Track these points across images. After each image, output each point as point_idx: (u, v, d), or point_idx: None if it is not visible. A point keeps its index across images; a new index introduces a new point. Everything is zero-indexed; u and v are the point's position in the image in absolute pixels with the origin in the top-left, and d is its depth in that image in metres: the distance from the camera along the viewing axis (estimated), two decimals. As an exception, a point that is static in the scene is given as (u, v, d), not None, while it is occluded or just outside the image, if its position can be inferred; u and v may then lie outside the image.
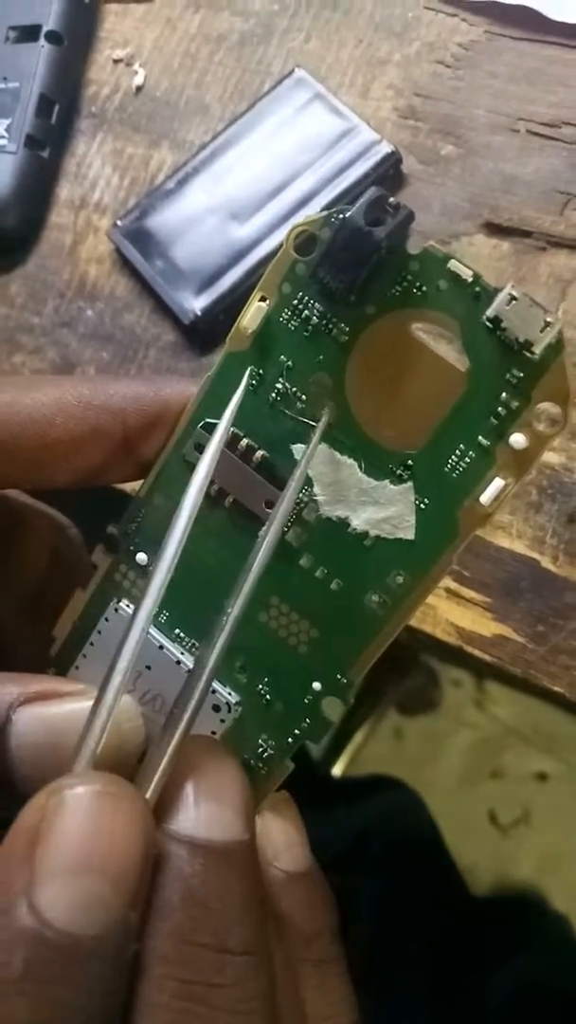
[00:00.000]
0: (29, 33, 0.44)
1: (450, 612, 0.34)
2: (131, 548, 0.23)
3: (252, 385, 0.22)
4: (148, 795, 0.19)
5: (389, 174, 0.39)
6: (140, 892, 0.17)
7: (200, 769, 0.19)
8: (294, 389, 0.21)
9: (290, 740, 0.23)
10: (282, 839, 0.23)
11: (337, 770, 0.92)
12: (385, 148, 0.38)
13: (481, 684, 0.96)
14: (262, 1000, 0.18)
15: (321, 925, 0.23)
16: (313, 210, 0.38)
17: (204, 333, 0.39)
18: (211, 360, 0.39)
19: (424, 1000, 0.53)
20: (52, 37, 0.43)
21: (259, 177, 0.40)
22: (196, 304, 0.39)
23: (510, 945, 0.57)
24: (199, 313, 0.39)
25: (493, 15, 0.39)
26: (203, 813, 0.19)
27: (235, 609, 0.20)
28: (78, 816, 0.17)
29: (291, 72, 0.41)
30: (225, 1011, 0.17)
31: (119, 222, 0.41)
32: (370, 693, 0.93)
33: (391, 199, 0.20)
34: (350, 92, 0.40)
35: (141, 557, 0.23)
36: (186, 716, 0.19)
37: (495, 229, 0.37)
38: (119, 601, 0.23)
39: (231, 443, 0.22)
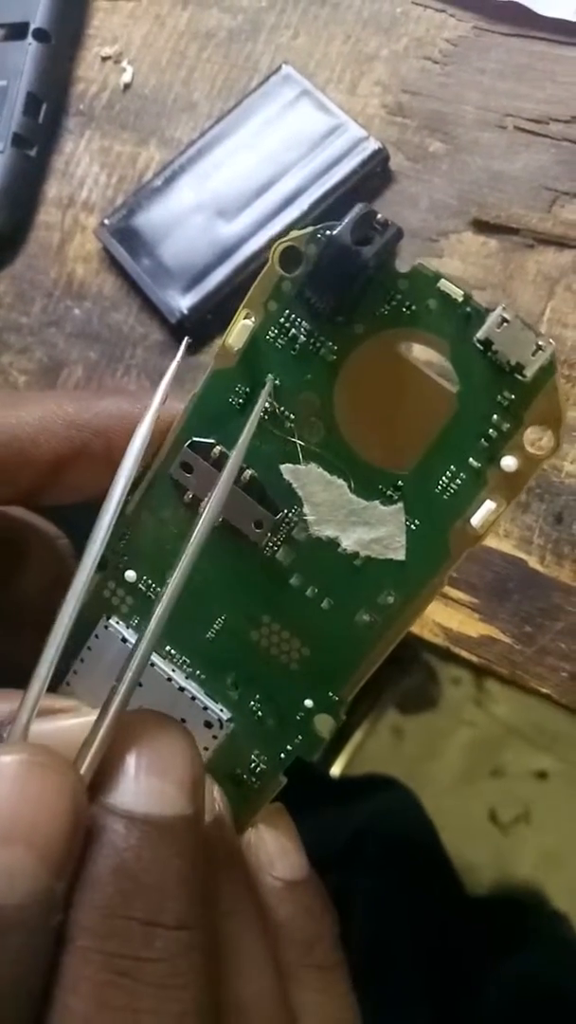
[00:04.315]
0: (17, 31, 0.43)
1: (437, 613, 0.34)
2: (119, 566, 0.23)
3: (239, 404, 0.22)
4: (84, 767, 0.19)
5: (376, 171, 0.38)
6: (67, 863, 0.17)
7: (144, 742, 0.19)
8: (282, 408, 0.21)
9: (283, 756, 0.23)
10: (276, 849, 0.23)
11: (336, 769, 0.92)
12: (372, 145, 0.38)
13: (481, 682, 0.96)
14: (195, 976, 0.18)
15: (321, 931, 0.23)
16: (300, 208, 0.38)
17: (191, 332, 0.39)
18: (198, 360, 0.39)
19: (422, 1000, 0.52)
20: (40, 35, 0.43)
21: (246, 175, 0.39)
22: (183, 303, 0.39)
23: (509, 944, 0.57)
24: (186, 312, 0.39)
25: (481, 10, 0.39)
26: (143, 787, 0.19)
27: (176, 576, 0.20)
28: (3, 785, 0.17)
29: (279, 69, 0.40)
30: (152, 986, 0.17)
31: (106, 220, 0.41)
32: (369, 691, 0.93)
33: (379, 216, 0.20)
34: (338, 88, 0.40)
35: (130, 575, 0.23)
36: (123, 688, 0.19)
37: (483, 226, 0.37)
38: (108, 618, 0.23)
39: (218, 462, 0.22)
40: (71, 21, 0.45)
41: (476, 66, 0.39)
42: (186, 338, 0.25)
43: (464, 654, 0.34)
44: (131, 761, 0.19)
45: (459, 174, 0.38)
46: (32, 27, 0.43)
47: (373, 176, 0.38)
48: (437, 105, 0.39)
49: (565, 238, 0.35)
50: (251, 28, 0.42)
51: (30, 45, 0.43)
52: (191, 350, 0.39)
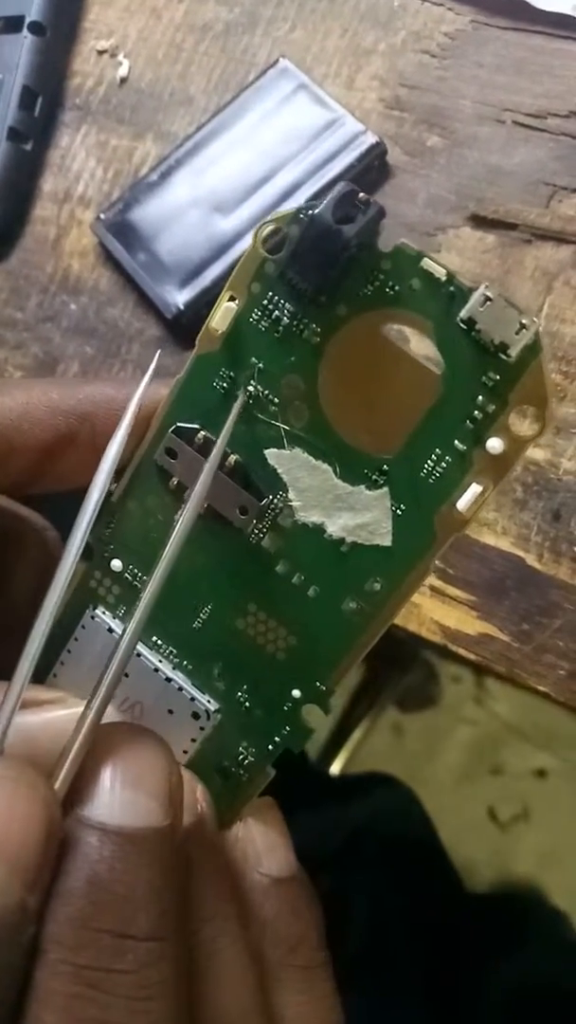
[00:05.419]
0: (12, 24, 0.43)
1: (434, 611, 0.34)
2: (105, 555, 0.23)
3: (223, 388, 0.21)
4: (60, 780, 0.18)
5: (374, 165, 0.38)
6: (39, 876, 0.17)
7: (119, 754, 0.19)
8: (266, 392, 0.21)
9: (271, 747, 0.22)
10: (264, 844, 0.23)
11: (336, 767, 0.92)
12: (370, 139, 0.38)
13: (481, 680, 0.96)
14: (165, 987, 0.18)
15: (306, 930, 0.22)
16: (297, 202, 0.38)
17: (187, 327, 0.39)
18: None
19: (421, 999, 0.52)
20: (35, 28, 0.43)
21: (243, 169, 0.39)
22: (179, 298, 0.38)
23: (508, 943, 0.56)
24: (182, 307, 0.38)
25: (479, 4, 0.39)
26: (118, 799, 0.18)
27: (160, 566, 0.20)
28: None
29: (276, 62, 0.40)
30: (122, 997, 0.17)
31: (102, 215, 0.40)
32: (369, 690, 0.93)
33: (361, 194, 0.19)
34: (335, 82, 0.40)
35: (116, 564, 0.23)
36: (97, 701, 0.19)
37: (481, 221, 0.36)
38: (95, 608, 0.23)
39: (203, 447, 0.21)
40: (67, 14, 0.44)
41: (474, 60, 0.38)
42: (158, 351, 0.25)
43: (462, 652, 0.33)
44: (106, 773, 0.19)
45: (457, 168, 0.37)
46: (27, 20, 0.43)
47: (371, 170, 0.38)
48: (435, 99, 0.38)
49: (563, 233, 0.35)
50: (248, 21, 0.42)
51: (25, 38, 0.42)
52: (186, 345, 0.39)
